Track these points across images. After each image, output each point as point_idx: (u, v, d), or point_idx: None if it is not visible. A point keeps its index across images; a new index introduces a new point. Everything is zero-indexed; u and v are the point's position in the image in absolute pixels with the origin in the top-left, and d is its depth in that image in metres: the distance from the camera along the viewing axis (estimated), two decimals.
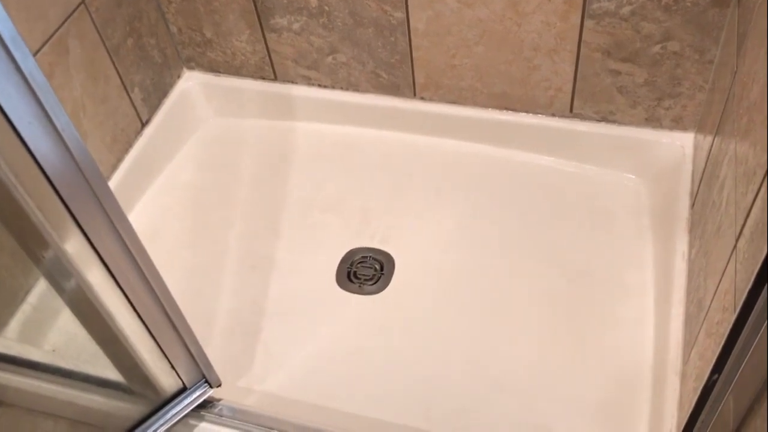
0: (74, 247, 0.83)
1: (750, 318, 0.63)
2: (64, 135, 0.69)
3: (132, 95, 1.54)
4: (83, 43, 1.37)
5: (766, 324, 0.60)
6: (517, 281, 1.37)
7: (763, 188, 0.78)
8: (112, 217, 0.80)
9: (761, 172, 0.80)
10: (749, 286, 0.61)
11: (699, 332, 1.02)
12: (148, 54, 1.57)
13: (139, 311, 0.92)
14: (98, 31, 1.41)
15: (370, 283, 1.39)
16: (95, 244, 0.81)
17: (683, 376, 1.09)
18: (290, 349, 1.31)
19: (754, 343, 0.63)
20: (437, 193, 1.53)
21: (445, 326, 1.32)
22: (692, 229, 1.26)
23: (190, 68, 1.71)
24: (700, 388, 0.74)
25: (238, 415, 1.13)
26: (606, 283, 1.35)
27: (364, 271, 1.41)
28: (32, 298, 1.04)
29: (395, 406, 1.23)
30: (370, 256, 1.43)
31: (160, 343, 0.98)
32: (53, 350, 1.07)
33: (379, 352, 1.30)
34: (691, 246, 1.24)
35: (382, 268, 1.41)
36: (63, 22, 1.31)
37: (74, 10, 1.33)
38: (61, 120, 0.68)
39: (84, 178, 0.74)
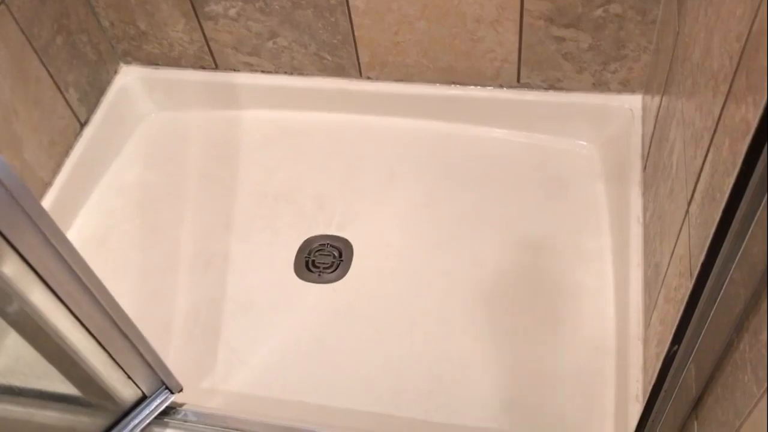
0: (11, 269, 0.79)
1: (705, 288, 0.62)
2: None
3: (67, 95, 1.48)
4: (8, 45, 1.31)
5: (720, 295, 0.60)
6: (477, 257, 1.36)
7: (711, 152, 0.77)
8: (47, 234, 0.76)
9: (708, 136, 0.80)
10: (702, 259, 0.60)
11: (658, 297, 1.02)
12: (81, 51, 1.51)
13: (87, 326, 0.88)
14: (23, 31, 1.34)
15: (330, 271, 1.37)
16: (33, 265, 0.77)
17: (645, 341, 1.10)
18: (252, 345, 1.29)
19: (711, 313, 0.63)
20: (391, 174, 1.51)
21: (408, 308, 1.31)
22: (645, 192, 1.27)
23: (127, 63, 1.65)
24: (662, 358, 0.74)
25: (203, 418, 1.10)
26: (565, 252, 1.35)
27: (323, 259, 1.39)
28: None
29: (364, 394, 1.22)
30: (327, 244, 1.41)
31: (113, 355, 0.95)
32: None
33: (344, 341, 1.28)
34: (645, 209, 1.25)
35: (340, 255, 1.39)
36: None
37: None
38: None
39: (11, 197, 0.70)
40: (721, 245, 0.58)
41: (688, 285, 0.82)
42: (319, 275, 1.37)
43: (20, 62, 1.34)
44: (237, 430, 1.08)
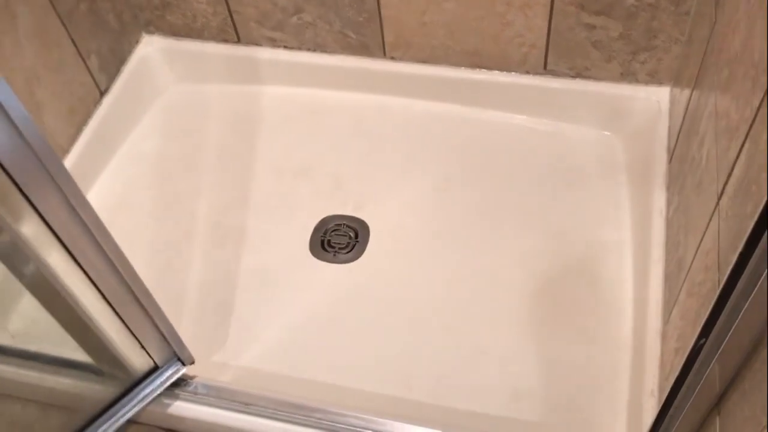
0: (31, 229, 0.79)
1: (738, 283, 0.61)
2: (10, 111, 0.64)
3: (89, 63, 1.47)
4: (32, 10, 1.30)
5: (756, 290, 0.58)
6: (494, 243, 1.35)
7: (748, 144, 0.75)
8: (68, 196, 0.75)
9: (744, 128, 0.78)
10: (739, 250, 0.59)
11: (680, 292, 1.01)
12: (104, 19, 1.50)
13: (103, 292, 0.88)
14: None
15: (345, 251, 1.36)
16: (53, 226, 0.77)
17: (663, 336, 1.09)
18: (265, 322, 1.28)
19: (744, 308, 0.61)
20: (411, 156, 1.49)
21: (422, 293, 1.30)
22: (670, 185, 1.25)
23: (149, 33, 1.64)
24: (686, 351, 0.73)
25: (213, 392, 1.10)
26: (583, 242, 1.33)
27: (339, 239, 1.38)
28: None
29: (374, 376, 1.21)
30: (344, 224, 1.40)
31: (127, 324, 0.94)
32: (13, 336, 1.02)
33: (356, 322, 1.28)
34: (669, 203, 1.23)
35: (356, 236, 1.38)
36: None
37: None
38: (4, 94, 0.63)
39: (35, 156, 0.70)
40: (760, 237, 0.56)
41: (715, 279, 0.81)
42: (335, 255, 1.36)
43: (44, 27, 1.33)
44: (247, 404, 1.08)
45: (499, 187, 1.42)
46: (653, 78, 1.39)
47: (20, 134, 0.67)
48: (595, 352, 1.20)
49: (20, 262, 0.86)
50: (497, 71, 1.47)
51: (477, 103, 1.52)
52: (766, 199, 0.54)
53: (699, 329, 0.68)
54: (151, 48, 1.62)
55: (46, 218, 0.76)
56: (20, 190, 0.71)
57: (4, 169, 0.69)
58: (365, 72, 1.55)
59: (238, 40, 1.59)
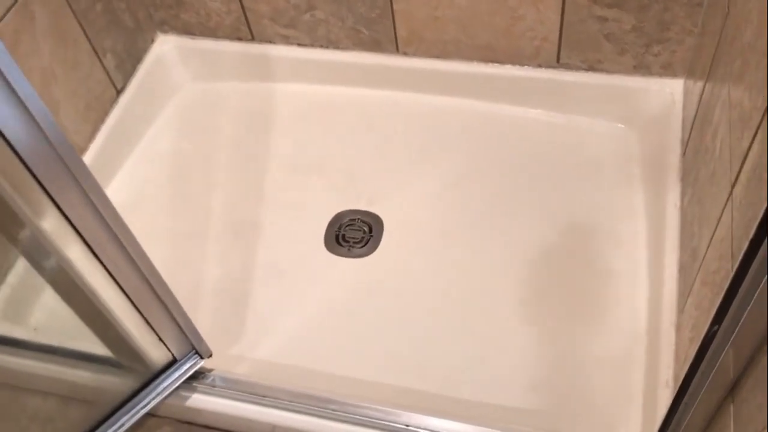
0: (51, 224, 0.80)
1: (750, 269, 0.61)
2: (29, 105, 0.65)
3: (104, 62, 1.49)
4: (49, 9, 1.32)
5: (767, 276, 0.58)
6: (508, 237, 1.35)
7: (761, 132, 0.76)
8: (87, 191, 0.77)
9: (758, 116, 0.78)
10: (750, 236, 0.59)
11: (694, 282, 1.01)
12: (119, 18, 1.52)
13: (122, 286, 0.89)
14: None
15: (359, 245, 1.37)
16: (72, 220, 0.78)
17: (678, 327, 1.08)
18: (281, 315, 1.30)
19: (756, 294, 0.62)
20: (424, 151, 1.50)
21: (436, 286, 1.30)
22: (684, 177, 1.24)
23: (164, 32, 1.65)
24: (700, 339, 0.73)
25: (230, 384, 1.11)
26: (598, 235, 1.33)
27: (353, 233, 1.39)
28: (12, 278, 1.01)
29: (389, 368, 1.22)
30: (358, 219, 1.41)
31: (146, 317, 0.96)
32: (35, 329, 1.04)
33: (371, 315, 1.28)
34: (683, 194, 1.23)
35: (370, 230, 1.39)
36: None
37: None
38: (24, 90, 0.64)
39: (54, 151, 0.71)
40: None
41: (729, 267, 0.81)
42: (349, 249, 1.37)
43: (61, 26, 1.35)
44: (264, 396, 1.09)
45: (513, 181, 1.43)
46: (667, 70, 1.39)
47: (40, 129, 0.68)
48: (610, 343, 1.20)
49: (41, 256, 0.88)
50: (510, 65, 1.48)
51: (490, 98, 1.52)
52: None
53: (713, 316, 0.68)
54: (166, 47, 1.64)
55: (66, 213, 0.77)
56: (40, 184, 0.73)
57: (25, 164, 0.70)
58: (378, 68, 1.55)
59: (252, 38, 1.60)
